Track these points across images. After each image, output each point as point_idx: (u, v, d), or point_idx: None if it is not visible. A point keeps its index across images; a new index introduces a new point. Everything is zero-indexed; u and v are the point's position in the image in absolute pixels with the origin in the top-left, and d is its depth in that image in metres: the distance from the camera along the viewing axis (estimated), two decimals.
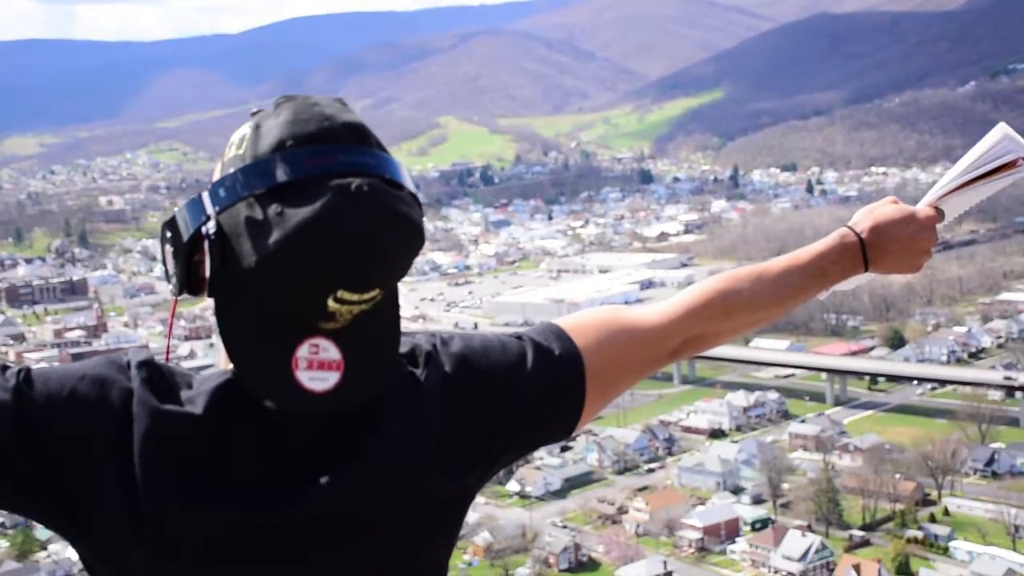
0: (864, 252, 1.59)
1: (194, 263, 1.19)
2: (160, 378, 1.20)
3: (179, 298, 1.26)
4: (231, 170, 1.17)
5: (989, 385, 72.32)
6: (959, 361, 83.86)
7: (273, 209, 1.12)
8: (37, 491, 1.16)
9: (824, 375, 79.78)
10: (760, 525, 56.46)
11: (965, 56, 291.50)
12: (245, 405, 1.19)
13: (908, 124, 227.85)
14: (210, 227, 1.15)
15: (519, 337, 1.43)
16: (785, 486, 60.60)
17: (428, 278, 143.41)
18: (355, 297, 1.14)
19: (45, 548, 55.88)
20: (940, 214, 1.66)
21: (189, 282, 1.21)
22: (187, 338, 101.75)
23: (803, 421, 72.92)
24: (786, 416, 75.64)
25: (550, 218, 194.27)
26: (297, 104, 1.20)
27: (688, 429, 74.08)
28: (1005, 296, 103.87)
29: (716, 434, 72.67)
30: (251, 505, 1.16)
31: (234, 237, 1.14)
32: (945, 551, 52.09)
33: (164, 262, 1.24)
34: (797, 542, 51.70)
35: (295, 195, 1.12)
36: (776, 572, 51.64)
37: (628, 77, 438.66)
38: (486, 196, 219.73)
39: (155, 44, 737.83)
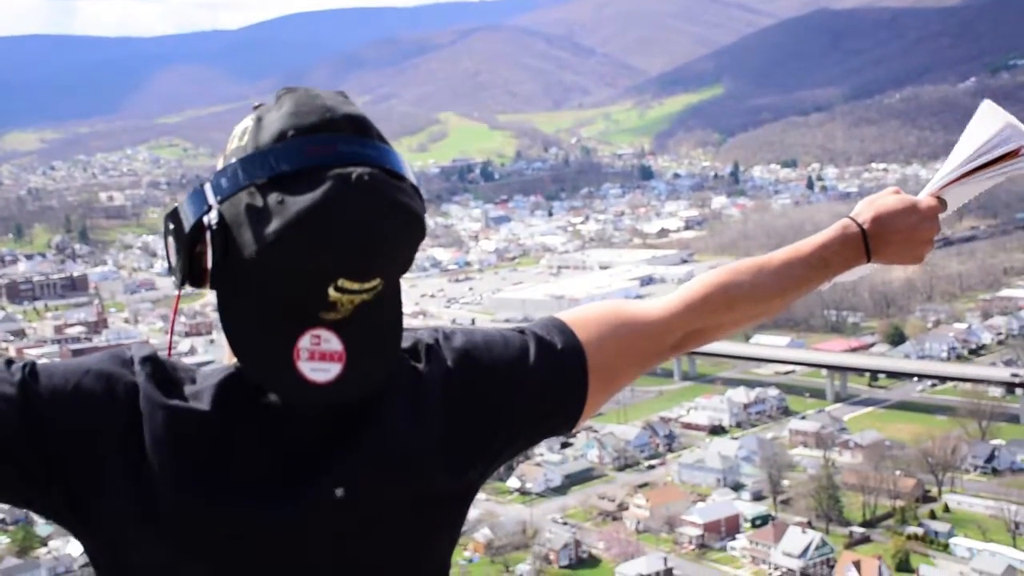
0: (866, 243, 1.58)
1: (196, 255, 1.19)
2: (164, 373, 1.20)
3: (181, 292, 1.27)
4: (233, 160, 1.18)
5: (990, 381, 72.37)
6: (959, 358, 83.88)
7: (274, 198, 1.13)
8: (42, 485, 1.16)
9: (824, 371, 79.80)
10: (760, 522, 56.49)
11: (965, 52, 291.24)
12: (249, 400, 1.20)
13: (908, 120, 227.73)
14: (212, 217, 1.16)
15: (521, 331, 1.43)
16: (785, 483, 60.64)
17: (428, 274, 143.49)
18: (356, 286, 1.14)
19: (46, 544, 55.94)
20: (942, 204, 1.65)
21: (192, 274, 1.21)
22: (188, 334, 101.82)
23: (803, 418, 72.98)
24: (786, 413, 75.66)
25: (550, 214, 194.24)
26: (299, 96, 1.21)
27: (688, 425, 74.09)
28: (1005, 292, 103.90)
29: (716, 430, 72.69)
30: (256, 500, 1.17)
31: (235, 227, 1.14)
32: (945, 548, 52.10)
33: (167, 254, 1.24)
34: (797, 539, 51.72)
35: (296, 184, 1.13)
36: (776, 569, 51.68)
37: (628, 73, 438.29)
38: (486, 192, 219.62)
39: (155, 40, 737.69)
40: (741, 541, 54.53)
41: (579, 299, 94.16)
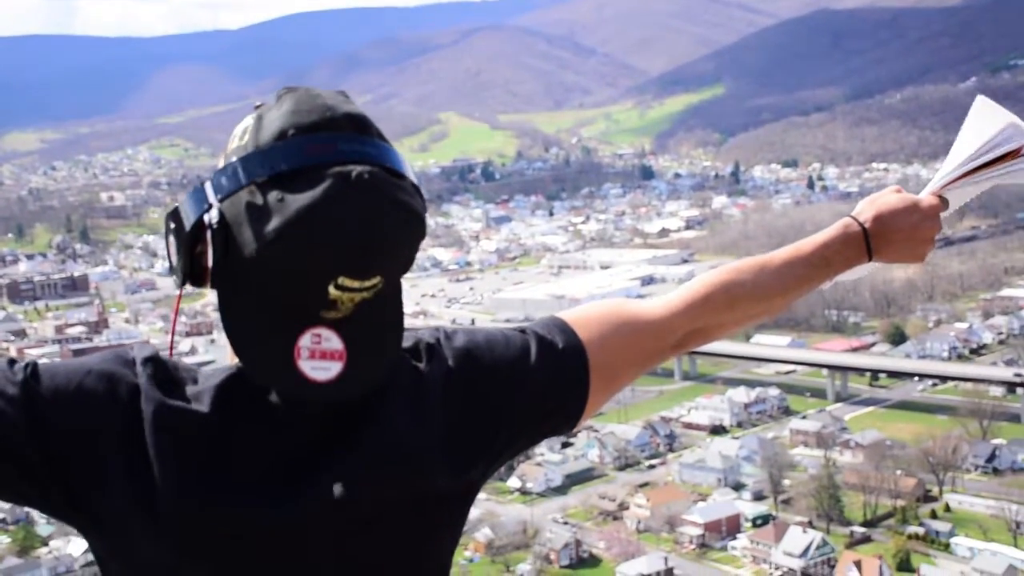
0: (868, 242, 1.58)
1: (196, 254, 1.20)
2: (166, 373, 1.21)
3: (182, 292, 1.27)
4: (233, 159, 1.18)
5: (990, 381, 72.38)
6: (960, 357, 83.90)
7: (274, 196, 1.13)
8: (44, 484, 1.17)
9: (825, 371, 79.81)
10: (761, 521, 56.49)
11: (966, 52, 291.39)
12: (251, 400, 1.20)
13: (909, 120, 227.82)
14: (213, 216, 1.16)
15: (523, 331, 1.43)
16: (786, 482, 60.62)
17: (429, 274, 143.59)
18: (356, 284, 1.15)
19: (46, 544, 56.00)
20: (944, 203, 1.64)
21: (192, 273, 1.21)
22: (188, 334, 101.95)
23: (804, 417, 72.98)
24: (787, 412, 75.67)
25: (551, 214, 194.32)
26: (299, 95, 1.21)
27: (689, 425, 74.10)
28: (1006, 292, 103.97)
29: (717, 430, 72.70)
30: (256, 500, 1.17)
31: (236, 225, 1.15)
32: (946, 547, 52.09)
33: (168, 253, 1.24)
34: (798, 538, 51.71)
35: (296, 182, 1.13)
36: (777, 568, 51.66)
37: (629, 73, 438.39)
38: (487, 192, 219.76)
39: (156, 40, 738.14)
40: (742, 541, 54.50)
41: (580, 299, 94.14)
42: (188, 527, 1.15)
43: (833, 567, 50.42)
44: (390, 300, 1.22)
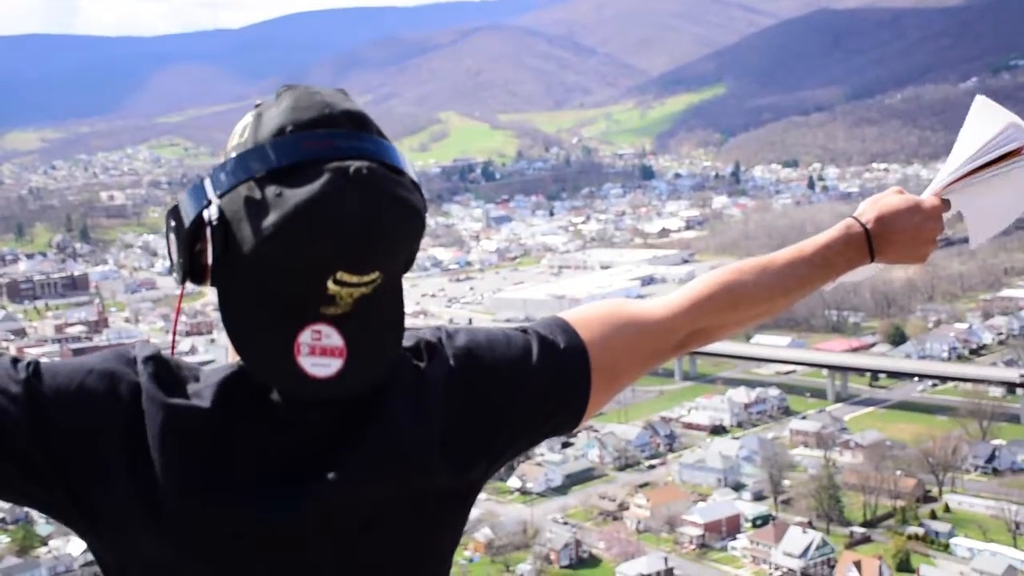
0: (870, 242, 1.59)
1: (196, 252, 1.20)
2: (167, 372, 1.21)
3: (183, 290, 1.27)
4: (232, 155, 1.19)
5: (990, 381, 72.39)
6: (960, 358, 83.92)
7: (272, 191, 1.13)
8: (46, 484, 1.17)
9: (825, 371, 79.83)
10: (761, 522, 56.49)
11: (966, 52, 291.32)
12: (252, 398, 1.20)
13: (909, 120, 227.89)
14: (212, 212, 1.16)
15: (524, 331, 1.43)
16: (786, 483, 60.62)
17: (429, 274, 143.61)
18: (355, 279, 1.15)
19: (46, 544, 55.99)
20: (946, 204, 1.65)
21: (193, 271, 1.21)
22: (188, 333, 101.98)
23: (804, 417, 72.99)
24: (787, 412, 75.69)
25: (551, 214, 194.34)
26: (298, 93, 1.22)
27: (689, 425, 74.11)
28: (1006, 292, 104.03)
29: (717, 430, 72.72)
30: (257, 498, 1.17)
31: (235, 222, 1.15)
32: (946, 548, 52.09)
33: (168, 251, 1.25)
34: (798, 539, 51.70)
35: (294, 178, 1.14)
36: (777, 569, 51.66)
37: (629, 73, 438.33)
38: (487, 192, 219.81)
39: (156, 39, 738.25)
40: (742, 541, 54.51)
41: (580, 299, 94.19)
42: (189, 526, 1.16)
43: (833, 567, 50.43)
44: (390, 297, 1.22)
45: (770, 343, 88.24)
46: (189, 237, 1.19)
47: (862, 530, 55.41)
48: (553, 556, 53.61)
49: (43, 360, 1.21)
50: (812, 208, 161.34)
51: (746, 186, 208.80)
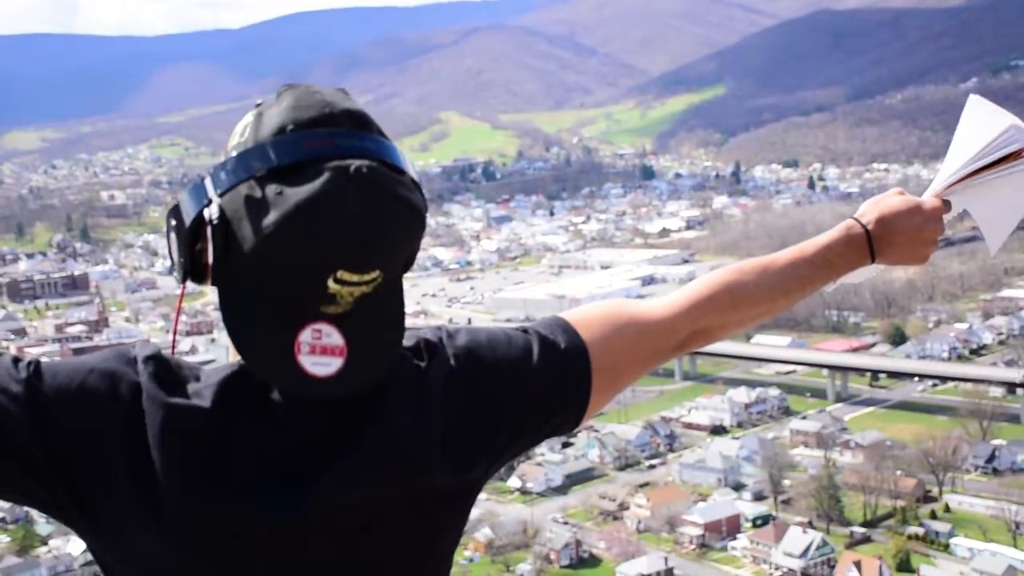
0: (871, 244, 1.59)
1: (197, 252, 1.20)
2: (168, 372, 1.21)
3: (184, 290, 1.27)
4: (233, 154, 1.19)
5: (991, 381, 72.36)
6: (960, 358, 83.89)
7: (272, 189, 1.13)
8: (47, 483, 1.17)
9: (825, 371, 79.82)
10: (761, 522, 56.49)
11: (967, 52, 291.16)
12: (253, 398, 1.20)
13: (910, 120, 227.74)
14: (213, 211, 1.16)
15: (525, 331, 1.43)
16: (786, 482, 60.62)
17: (430, 274, 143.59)
18: (355, 278, 1.14)
19: (46, 543, 55.98)
20: (947, 205, 1.65)
21: (193, 270, 1.21)
22: (188, 333, 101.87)
23: (804, 417, 72.98)
24: (787, 412, 75.67)
25: (552, 214, 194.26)
26: (299, 92, 1.22)
27: (689, 425, 74.09)
28: (1006, 293, 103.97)
29: (717, 430, 72.70)
30: (257, 498, 1.17)
31: (235, 221, 1.15)
32: (946, 548, 52.09)
33: (169, 250, 1.24)
34: (798, 539, 51.70)
35: (295, 176, 1.13)
36: (777, 569, 51.67)
37: (630, 73, 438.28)
38: (488, 192, 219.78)
39: (157, 39, 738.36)
40: (742, 541, 54.50)
41: (580, 299, 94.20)
42: (189, 525, 1.15)
43: (833, 567, 50.43)
44: (390, 296, 1.22)
45: (770, 343, 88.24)
46: (190, 236, 1.19)
47: (862, 530, 55.41)
48: (553, 556, 53.61)
49: (44, 360, 1.22)
50: (812, 208, 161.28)
51: (746, 186, 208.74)
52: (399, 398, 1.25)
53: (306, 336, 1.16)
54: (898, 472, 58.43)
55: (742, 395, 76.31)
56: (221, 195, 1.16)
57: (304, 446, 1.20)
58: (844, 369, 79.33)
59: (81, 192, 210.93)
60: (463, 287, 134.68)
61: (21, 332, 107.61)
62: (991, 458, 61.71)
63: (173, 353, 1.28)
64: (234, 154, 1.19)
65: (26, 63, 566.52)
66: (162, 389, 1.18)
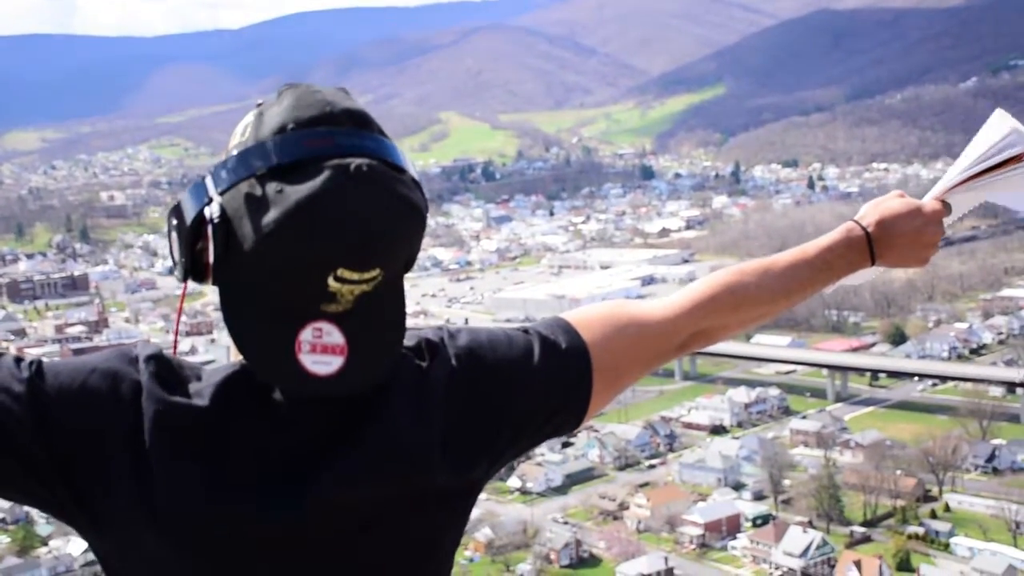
0: (871, 246, 1.60)
1: (198, 251, 1.20)
2: (169, 371, 1.21)
3: (186, 289, 1.26)
4: (234, 153, 1.19)
5: (991, 381, 72.35)
6: (960, 357, 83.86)
7: (272, 188, 1.13)
8: (48, 483, 1.17)
9: (825, 371, 79.79)
10: (761, 521, 56.48)
11: (966, 52, 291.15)
12: (253, 396, 1.20)
13: (909, 120, 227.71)
14: (213, 210, 1.16)
15: (526, 331, 1.43)
16: (786, 482, 60.61)
17: (429, 274, 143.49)
18: (355, 276, 1.14)
19: (46, 544, 55.95)
20: (947, 208, 1.65)
21: (194, 270, 1.21)
22: (189, 333, 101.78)
23: (804, 417, 72.96)
24: (787, 412, 75.65)
25: (551, 214, 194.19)
26: (300, 91, 1.22)
27: (689, 425, 74.07)
28: (1006, 292, 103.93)
29: (717, 430, 72.68)
30: (256, 498, 1.17)
31: (236, 219, 1.15)
32: (946, 547, 52.08)
33: (170, 250, 1.24)
34: (798, 538, 51.70)
35: (295, 175, 1.13)
36: (777, 568, 51.66)
37: (630, 73, 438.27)
38: (487, 192, 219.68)
39: (156, 39, 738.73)
40: (742, 541, 54.49)
41: (580, 299, 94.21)
42: (190, 525, 1.15)
43: (833, 567, 50.41)
44: (391, 295, 1.22)
45: (770, 343, 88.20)
46: (191, 235, 1.19)
47: (862, 530, 55.40)
48: (553, 556, 53.60)
49: (45, 360, 1.22)
50: (812, 208, 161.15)
51: (746, 186, 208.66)
52: (400, 398, 1.25)
53: (307, 335, 1.16)
54: (898, 472, 58.41)
55: (742, 395, 76.30)
56: (222, 194, 1.16)
57: (304, 445, 1.20)
58: (844, 369, 79.32)
59: (81, 192, 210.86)
60: (463, 287, 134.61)
61: (21, 332, 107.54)
62: (991, 458, 61.71)
63: (175, 353, 1.29)
64: (235, 153, 1.19)
65: (25, 63, 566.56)
66: (163, 388, 1.18)
